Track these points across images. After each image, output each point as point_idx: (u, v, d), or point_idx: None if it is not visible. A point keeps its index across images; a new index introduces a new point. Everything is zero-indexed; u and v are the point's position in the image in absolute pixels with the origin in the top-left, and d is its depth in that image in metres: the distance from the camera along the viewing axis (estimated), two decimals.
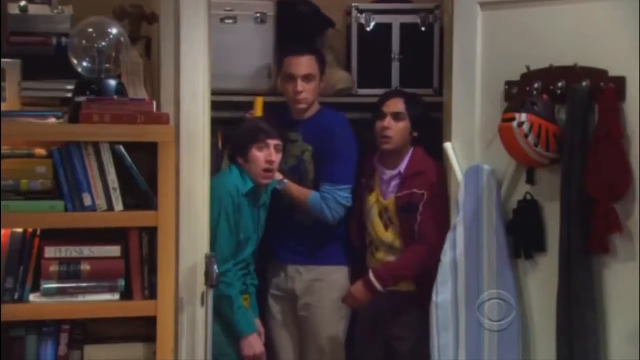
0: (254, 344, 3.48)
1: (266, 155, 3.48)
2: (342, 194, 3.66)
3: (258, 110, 3.67)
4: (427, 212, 3.53)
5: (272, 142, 3.49)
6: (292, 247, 3.76)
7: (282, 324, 3.82)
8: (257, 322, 3.67)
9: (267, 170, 3.49)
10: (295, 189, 3.67)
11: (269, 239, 3.75)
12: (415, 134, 3.63)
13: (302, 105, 3.71)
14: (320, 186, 3.69)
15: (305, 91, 3.67)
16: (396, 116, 3.62)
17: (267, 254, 3.81)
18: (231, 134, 3.60)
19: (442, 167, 3.54)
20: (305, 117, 3.75)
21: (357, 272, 3.73)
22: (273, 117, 3.61)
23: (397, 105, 3.64)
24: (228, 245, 3.44)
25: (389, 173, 3.65)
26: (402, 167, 3.63)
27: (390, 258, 3.65)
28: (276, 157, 3.50)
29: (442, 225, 3.43)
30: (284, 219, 3.75)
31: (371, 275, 3.58)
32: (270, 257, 3.83)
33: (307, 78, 3.67)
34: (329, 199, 3.65)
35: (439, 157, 3.56)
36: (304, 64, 3.68)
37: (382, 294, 3.63)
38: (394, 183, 3.64)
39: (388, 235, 3.66)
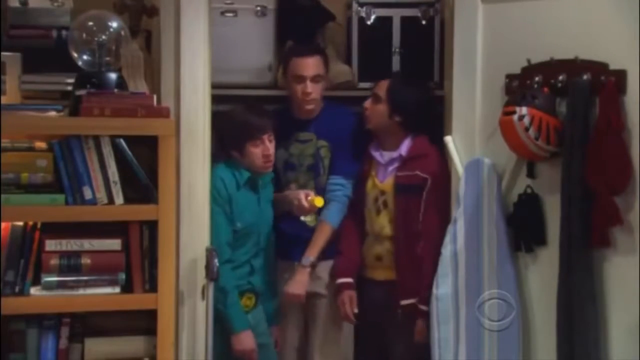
0: (244, 340, 3.44)
1: (263, 150, 3.49)
2: (349, 187, 3.71)
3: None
4: (430, 201, 3.51)
5: (266, 136, 3.49)
6: (304, 247, 3.72)
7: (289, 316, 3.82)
8: (274, 330, 3.70)
9: (265, 162, 3.51)
10: (321, 241, 3.68)
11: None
12: (397, 119, 3.61)
13: (311, 106, 3.72)
14: (331, 179, 3.71)
15: (315, 92, 3.69)
16: (374, 97, 3.63)
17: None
18: (223, 127, 3.55)
19: (444, 157, 3.52)
20: (314, 115, 3.76)
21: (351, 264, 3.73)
22: (278, 121, 3.60)
23: (380, 87, 3.64)
24: (224, 232, 3.42)
25: (388, 155, 3.63)
26: (403, 150, 3.60)
27: (379, 249, 3.65)
28: (271, 148, 3.51)
29: (445, 217, 3.42)
30: (289, 221, 3.74)
31: (421, 307, 3.49)
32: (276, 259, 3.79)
33: (315, 79, 3.68)
34: (340, 196, 3.69)
35: (439, 147, 3.55)
36: (312, 65, 3.68)
37: (371, 285, 3.66)
38: (391, 167, 3.61)
39: (379, 221, 3.64)
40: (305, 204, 3.58)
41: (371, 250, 3.69)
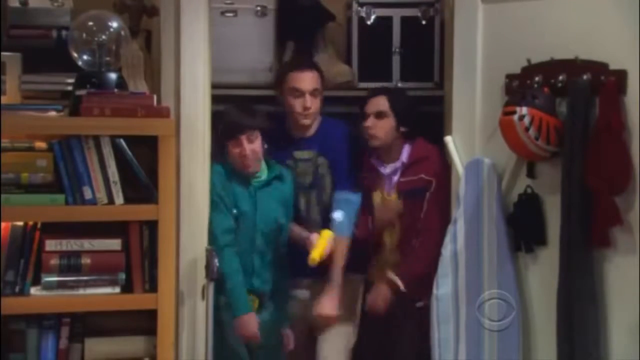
0: (247, 324, 3.41)
1: (240, 151, 3.43)
2: (357, 199, 3.67)
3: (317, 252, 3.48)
4: (433, 202, 3.52)
5: (244, 136, 3.42)
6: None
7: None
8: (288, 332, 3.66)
9: (243, 162, 3.45)
10: (340, 260, 3.59)
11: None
12: (403, 129, 3.62)
13: (308, 121, 3.67)
14: (336, 194, 3.67)
15: (313, 106, 3.64)
16: (378, 115, 3.60)
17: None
18: (213, 127, 3.55)
19: (445, 156, 3.52)
20: (310, 133, 3.71)
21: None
22: (274, 140, 3.57)
23: (378, 104, 3.62)
24: (221, 220, 3.40)
25: (391, 167, 3.64)
26: (404, 157, 3.62)
27: (391, 257, 3.64)
28: (250, 149, 3.42)
29: (446, 217, 3.42)
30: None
31: (392, 277, 3.52)
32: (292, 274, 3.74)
33: (314, 93, 3.64)
34: (345, 208, 3.63)
35: (439, 147, 3.56)
36: (310, 79, 3.65)
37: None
38: (395, 177, 3.63)
39: (390, 233, 3.66)
40: (309, 249, 3.45)
41: (389, 259, 3.67)
